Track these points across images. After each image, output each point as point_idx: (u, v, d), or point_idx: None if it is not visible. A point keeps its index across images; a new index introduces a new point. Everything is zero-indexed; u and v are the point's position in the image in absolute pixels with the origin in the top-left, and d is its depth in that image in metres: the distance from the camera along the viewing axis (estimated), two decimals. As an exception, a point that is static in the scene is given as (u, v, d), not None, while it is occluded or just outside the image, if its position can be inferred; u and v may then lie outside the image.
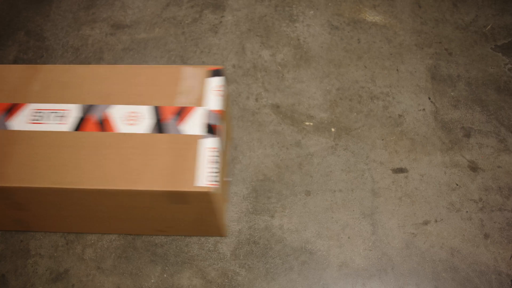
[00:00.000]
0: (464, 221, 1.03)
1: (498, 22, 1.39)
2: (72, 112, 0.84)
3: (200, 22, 1.40)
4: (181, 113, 0.82)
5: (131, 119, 0.82)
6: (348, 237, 1.00)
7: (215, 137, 0.79)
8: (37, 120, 0.83)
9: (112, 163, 0.78)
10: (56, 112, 0.84)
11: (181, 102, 0.83)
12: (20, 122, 0.83)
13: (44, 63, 1.31)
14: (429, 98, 1.22)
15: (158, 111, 0.83)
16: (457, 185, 1.08)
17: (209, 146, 0.78)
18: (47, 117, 0.83)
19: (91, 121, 0.83)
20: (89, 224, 0.96)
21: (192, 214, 0.86)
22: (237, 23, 1.39)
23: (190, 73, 0.87)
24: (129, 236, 1.01)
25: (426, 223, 1.02)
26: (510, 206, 1.04)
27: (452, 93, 1.23)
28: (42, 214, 0.90)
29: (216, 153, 0.78)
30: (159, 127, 0.81)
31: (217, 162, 0.77)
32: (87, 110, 0.84)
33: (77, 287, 0.95)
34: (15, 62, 1.31)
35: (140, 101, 0.84)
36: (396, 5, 1.43)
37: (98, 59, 1.31)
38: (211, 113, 0.82)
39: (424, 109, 1.20)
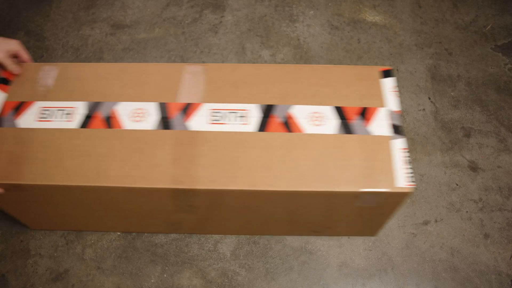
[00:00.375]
0: (464, 221, 1.03)
1: (498, 22, 1.39)
2: (252, 111, 0.81)
3: (200, 22, 1.40)
4: (365, 113, 0.81)
5: (315, 119, 0.80)
6: (348, 237, 1.00)
7: (402, 137, 0.78)
8: (217, 120, 0.80)
9: (306, 164, 0.76)
10: (235, 112, 0.81)
11: (362, 102, 0.82)
12: (199, 122, 0.80)
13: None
14: (429, 98, 1.22)
15: (341, 111, 0.81)
16: (457, 185, 1.08)
17: (400, 147, 0.77)
18: (227, 117, 0.81)
19: (275, 122, 0.80)
20: (251, 226, 0.94)
21: (369, 214, 0.85)
22: (237, 23, 1.39)
23: (364, 74, 0.86)
24: (129, 236, 1.01)
25: (426, 223, 1.02)
26: (510, 206, 1.04)
27: (452, 93, 1.23)
28: (207, 216, 0.89)
29: (407, 154, 0.77)
30: (346, 127, 0.79)
31: (409, 162, 0.76)
32: (268, 110, 0.81)
33: (77, 287, 0.95)
34: (15, 62, 1.31)
35: (318, 102, 0.82)
36: (396, 5, 1.43)
37: (98, 59, 1.32)
38: (393, 113, 0.81)
39: (424, 109, 1.20)
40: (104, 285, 0.95)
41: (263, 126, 0.80)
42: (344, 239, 1.00)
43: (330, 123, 0.80)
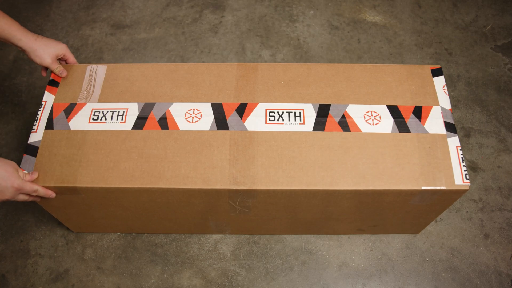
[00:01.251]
0: (464, 221, 1.03)
1: (498, 22, 1.39)
2: (307, 111, 0.81)
3: (200, 22, 1.40)
4: (420, 112, 0.81)
5: (370, 118, 0.81)
6: (348, 237, 1.00)
7: (456, 135, 0.80)
8: (274, 120, 0.81)
9: (364, 164, 0.76)
10: (291, 112, 0.81)
11: (416, 101, 0.83)
12: (256, 122, 0.80)
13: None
14: (429, 98, 1.22)
15: (396, 110, 0.82)
16: (457, 185, 1.08)
17: (456, 145, 0.78)
18: (284, 117, 0.81)
19: (332, 121, 0.80)
20: (297, 226, 0.94)
21: (421, 212, 0.85)
22: (237, 23, 1.39)
23: (415, 73, 0.86)
24: (129, 236, 1.01)
25: (426, 223, 1.02)
26: (510, 206, 1.04)
27: (452, 93, 1.23)
28: (257, 217, 0.88)
29: (461, 152, 0.78)
30: (402, 126, 0.80)
31: (463, 160, 0.77)
32: (324, 109, 0.82)
33: (77, 287, 0.95)
34: (14, 62, 1.31)
35: (372, 100, 0.83)
36: (396, 5, 1.43)
37: (98, 59, 1.31)
38: (447, 111, 0.82)
39: (424, 109, 1.20)
40: (104, 285, 0.95)
41: (319, 126, 0.80)
42: (344, 239, 1.00)
43: (386, 122, 0.80)
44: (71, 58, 0.88)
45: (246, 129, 0.80)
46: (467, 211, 1.04)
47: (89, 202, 0.82)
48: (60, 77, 0.87)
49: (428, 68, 0.87)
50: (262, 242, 1.00)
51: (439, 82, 0.85)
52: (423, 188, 0.75)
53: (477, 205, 1.05)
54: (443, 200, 0.80)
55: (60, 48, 0.85)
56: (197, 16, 1.41)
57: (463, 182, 0.75)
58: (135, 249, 0.99)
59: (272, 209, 0.84)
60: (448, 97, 0.84)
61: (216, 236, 1.01)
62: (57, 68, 0.85)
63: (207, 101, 0.83)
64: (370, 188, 0.75)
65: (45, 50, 0.83)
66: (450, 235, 1.01)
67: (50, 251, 0.99)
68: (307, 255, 0.98)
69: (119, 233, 1.01)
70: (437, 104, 0.83)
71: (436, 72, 0.87)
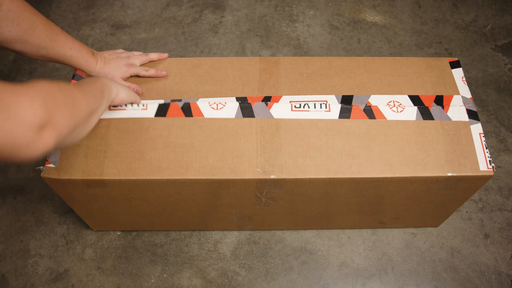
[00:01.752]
0: (464, 221, 1.03)
1: (498, 22, 1.39)
2: (331, 102, 0.82)
3: (200, 22, 1.40)
4: (441, 100, 0.82)
5: (395, 107, 0.82)
6: (348, 237, 1.00)
7: (479, 122, 0.80)
8: (301, 108, 0.81)
9: (390, 151, 0.77)
10: (316, 103, 0.82)
11: (436, 91, 0.84)
12: (283, 110, 0.80)
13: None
14: (429, 98, 1.22)
15: (418, 99, 0.83)
16: (457, 185, 1.08)
17: (479, 131, 0.79)
18: (310, 106, 0.81)
19: (357, 108, 0.81)
20: (318, 220, 0.94)
21: (444, 201, 0.86)
22: (237, 23, 1.39)
23: (434, 65, 0.88)
24: (129, 236, 1.01)
25: (426, 223, 1.02)
26: (510, 206, 1.04)
27: (452, 93, 1.23)
28: (280, 210, 0.88)
29: (484, 138, 0.79)
30: (426, 114, 0.81)
31: (487, 146, 0.78)
32: (347, 100, 0.82)
33: (77, 287, 0.95)
34: (15, 62, 1.31)
35: (394, 91, 0.84)
36: (396, 5, 1.43)
37: (98, 59, 1.31)
38: (468, 100, 0.83)
39: (424, 109, 1.20)
40: (104, 285, 0.95)
41: (345, 113, 0.80)
42: (344, 239, 1.00)
43: (410, 110, 0.81)
44: (141, 72, 0.83)
45: (272, 116, 0.79)
46: (467, 211, 1.04)
47: (114, 196, 0.80)
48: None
49: (446, 61, 0.88)
50: (262, 242, 1.00)
51: (458, 73, 0.87)
52: (449, 174, 0.75)
53: (477, 205, 1.05)
54: (467, 187, 0.80)
55: (124, 72, 0.81)
56: (197, 16, 1.41)
57: (488, 168, 0.76)
58: (135, 249, 0.99)
59: (298, 200, 0.84)
60: (467, 87, 0.85)
61: (216, 236, 1.01)
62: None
63: (231, 96, 0.82)
64: (397, 175, 0.75)
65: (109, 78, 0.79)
66: (450, 235, 1.01)
67: (50, 251, 0.99)
68: (307, 255, 0.98)
69: (119, 233, 1.01)
70: (458, 93, 0.84)
71: (454, 64, 0.88)
